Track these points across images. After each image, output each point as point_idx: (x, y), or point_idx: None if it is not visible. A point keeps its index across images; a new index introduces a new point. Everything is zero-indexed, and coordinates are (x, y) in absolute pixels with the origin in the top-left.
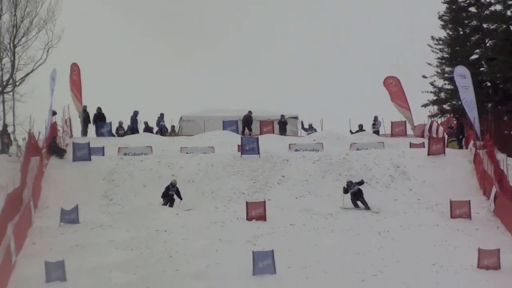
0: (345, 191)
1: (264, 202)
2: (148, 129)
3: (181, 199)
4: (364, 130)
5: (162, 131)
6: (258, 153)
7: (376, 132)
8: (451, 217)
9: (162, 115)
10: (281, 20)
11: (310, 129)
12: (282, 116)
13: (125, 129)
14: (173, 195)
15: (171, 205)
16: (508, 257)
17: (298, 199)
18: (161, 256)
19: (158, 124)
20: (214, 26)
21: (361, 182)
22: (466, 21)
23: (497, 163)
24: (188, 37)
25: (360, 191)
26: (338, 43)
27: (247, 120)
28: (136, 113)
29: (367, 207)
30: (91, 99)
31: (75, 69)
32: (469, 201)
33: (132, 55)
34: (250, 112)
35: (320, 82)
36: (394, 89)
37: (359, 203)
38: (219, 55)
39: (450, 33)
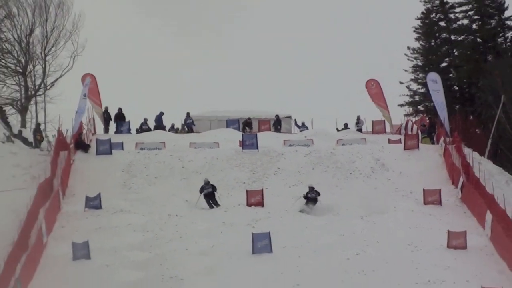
0: (305, 196)
1: (262, 190)
2: (173, 128)
3: (214, 195)
4: (349, 128)
5: (189, 128)
6: (257, 148)
7: (359, 130)
8: (424, 203)
9: (188, 114)
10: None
11: (303, 126)
12: (277, 116)
13: (149, 125)
14: (209, 191)
15: (213, 201)
16: (473, 238)
17: (291, 187)
18: (173, 237)
19: (185, 122)
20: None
21: (318, 194)
22: (437, 34)
23: (464, 157)
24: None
25: (316, 199)
26: (327, 51)
27: (247, 123)
28: (161, 114)
29: (312, 207)
30: (110, 101)
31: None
32: (440, 189)
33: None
34: (249, 118)
35: (311, 86)
36: (375, 90)
37: (309, 206)
38: (223, 59)
39: (424, 44)
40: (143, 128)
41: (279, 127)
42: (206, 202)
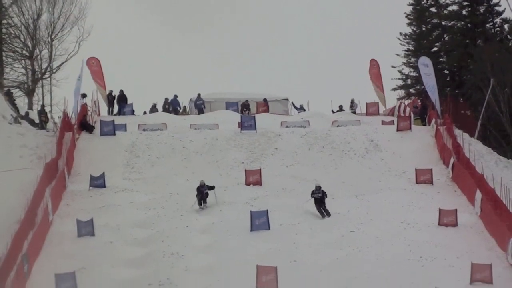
0: (312, 194)
1: (260, 170)
2: (175, 111)
3: (213, 188)
4: (344, 110)
5: (199, 109)
6: (255, 129)
7: (353, 112)
8: (416, 182)
9: (199, 95)
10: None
11: (301, 108)
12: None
13: (159, 110)
14: (204, 192)
15: (204, 201)
16: (464, 216)
17: (288, 167)
18: (174, 215)
19: (195, 103)
20: (218, 22)
21: (324, 193)
22: (428, 19)
23: (455, 138)
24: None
25: (322, 198)
26: (324, 37)
27: (245, 105)
28: (176, 96)
29: (328, 214)
30: (114, 83)
31: (93, 62)
32: (431, 169)
33: (146, 45)
34: (246, 100)
35: (308, 70)
36: (375, 70)
37: (322, 209)
38: (222, 43)
39: (415, 29)
40: (198, 103)
41: (246, 110)
42: (197, 200)
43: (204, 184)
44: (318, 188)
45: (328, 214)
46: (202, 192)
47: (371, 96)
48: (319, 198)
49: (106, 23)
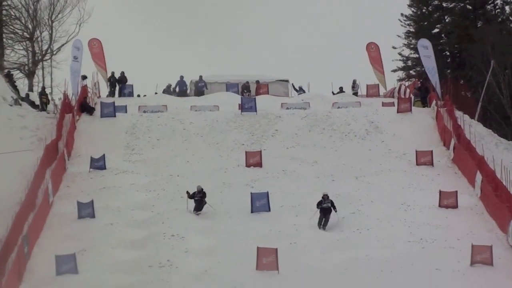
0: (318, 204)
1: (261, 151)
2: (182, 92)
3: (205, 203)
4: (344, 92)
5: (200, 91)
6: (256, 111)
7: (355, 94)
8: (417, 164)
9: (200, 77)
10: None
11: (301, 90)
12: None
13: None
14: (199, 198)
15: (200, 208)
16: (464, 197)
17: (289, 149)
18: (174, 196)
19: (196, 85)
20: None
21: (333, 205)
22: (428, 1)
23: (455, 119)
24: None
25: (329, 209)
26: (325, 18)
27: (245, 87)
28: (182, 77)
29: (325, 225)
30: (115, 65)
31: (95, 43)
32: (432, 151)
33: (147, 28)
34: (247, 81)
35: (308, 51)
36: (374, 54)
37: (323, 221)
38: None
39: (416, 10)
40: (199, 85)
41: (246, 92)
42: (195, 206)
43: (202, 189)
44: (325, 197)
45: (325, 226)
46: (197, 200)
47: (372, 78)
48: (328, 208)
49: (107, 4)
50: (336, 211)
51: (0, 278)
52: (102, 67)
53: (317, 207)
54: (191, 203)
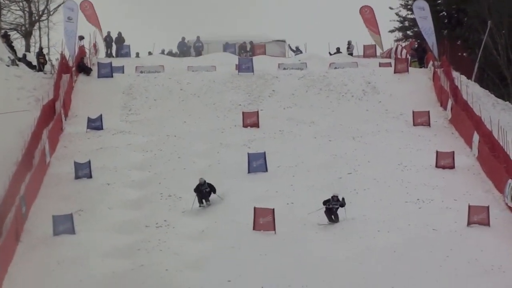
0: (325, 203)
1: (258, 112)
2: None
3: (215, 193)
4: (341, 52)
5: (198, 51)
6: (253, 71)
7: (350, 54)
8: (414, 125)
9: (198, 38)
10: None
11: (297, 50)
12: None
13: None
14: (204, 190)
15: (207, 200)
16: (461, 158)
17: (286, 109)
18: (171, 157)
19: (194, 45)
20: None
21: (342, 204)
22: None
23: (452, 80)
24: None
25: (335, 210)
26: None
27: (242, 47)
28: (183, 39)
29: (336, 220)
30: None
31: (86, 5)
32: (429, 111)
33: None
34: (244, 42)
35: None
36: (368, 16)
37: (333, 218)
38: None
39: None
40: (196, 45)
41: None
42: (198, 199)
43: (205, 182)
44: (335, 198)
45: (337, 220)
46: (202, 191)
47: (369, 38)
48: (333, 209)
49: None
50: (344, 208)
51: None
52: (98, 28)
53: (323, 205)
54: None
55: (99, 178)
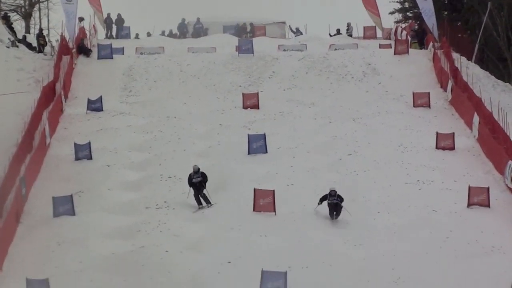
0: (322, 199)
1: (258, 93)
2: (183, 34)
3: (204, 187)
4: (341, 34)
5: (198, 33)
6: (253, 53)
7: (350, 36)
8: (414, 106)
9: (198, 19)
10: None
11: (297, 32)
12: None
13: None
14: (197, 182)
15: (201, 193)
16: (461, 139)
17: (286, 91)
18: (171, 138)
19: (194, 26)
20: None
21: (341, 200)
22: None
23: (452, 61)
24: None
25: (338, 205)
26: None
27: (242, 28)
28: (183, 20)
29: (337, 216)
30: (112, 7)
31: None
32: (429, 92)
33: None
34: (244, 23)
35: None
36: None
37: (335, 214)
38: None
39: None
40: (196, 27)
41: (244, 34)
42: (195, 197)
43: (198, 170)
44: (333, 193)
45: (337, 217)
46: (195, 184)
47: (369, 20)
48: (334, 203)
49: None
50: (342, 206)
51: None
52: (98, 9)
53: (319, 202)
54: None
55: (99, 160)
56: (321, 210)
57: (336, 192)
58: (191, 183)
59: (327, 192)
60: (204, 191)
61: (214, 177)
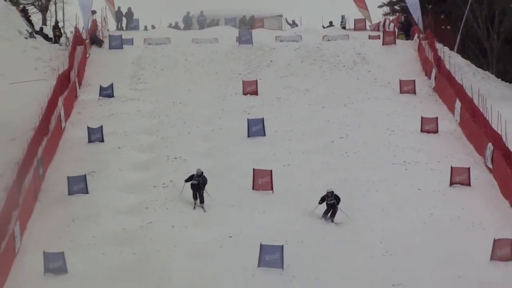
0: (322, 200)
1: (256, 80)
2: (187, 26)
3: (203, 189)
4: (334, 26)
5: (201, 25)
6: (252, 43)
7: (344, 27)
8: (400, 92)
9: (201, 12)
10: None
11: (293, 24)
12: (243, 16)
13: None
14: (197, 183)
15: (200, 195)
16: (444, 123)
17: (282, 78)
18: (177, 122)
19: (198, 19)
20: None
21: (338, 200)
22: None
23: (436, 51)
24: None
25: (335, 205)
26: None
27: (242, 21)
28: (188, 13)
29: (332, 218)
30: (122, 1)
31: None
32: (414, 80)
33: None
34: (244, 16)
35: None
36: None
37: (329, 215)
38: None
39: None
40: (200, 19)
41: (244, 26)
42: (193, 194)
43: (202, 173)
44: (330, 194)
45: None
46: (195, 185)
47: (359, 13)
48: (331, 203)
49: None
50: (338, 206)
51: (18, 197)
52: (111, 2)
53: (320, 202)
54: (186, 191)
55: (110, 142)
56: (315, 183)
57: (333, 193)
58: (191, 183)
59: (325, 193)
60: (204, 192)
61: (216, 158)
